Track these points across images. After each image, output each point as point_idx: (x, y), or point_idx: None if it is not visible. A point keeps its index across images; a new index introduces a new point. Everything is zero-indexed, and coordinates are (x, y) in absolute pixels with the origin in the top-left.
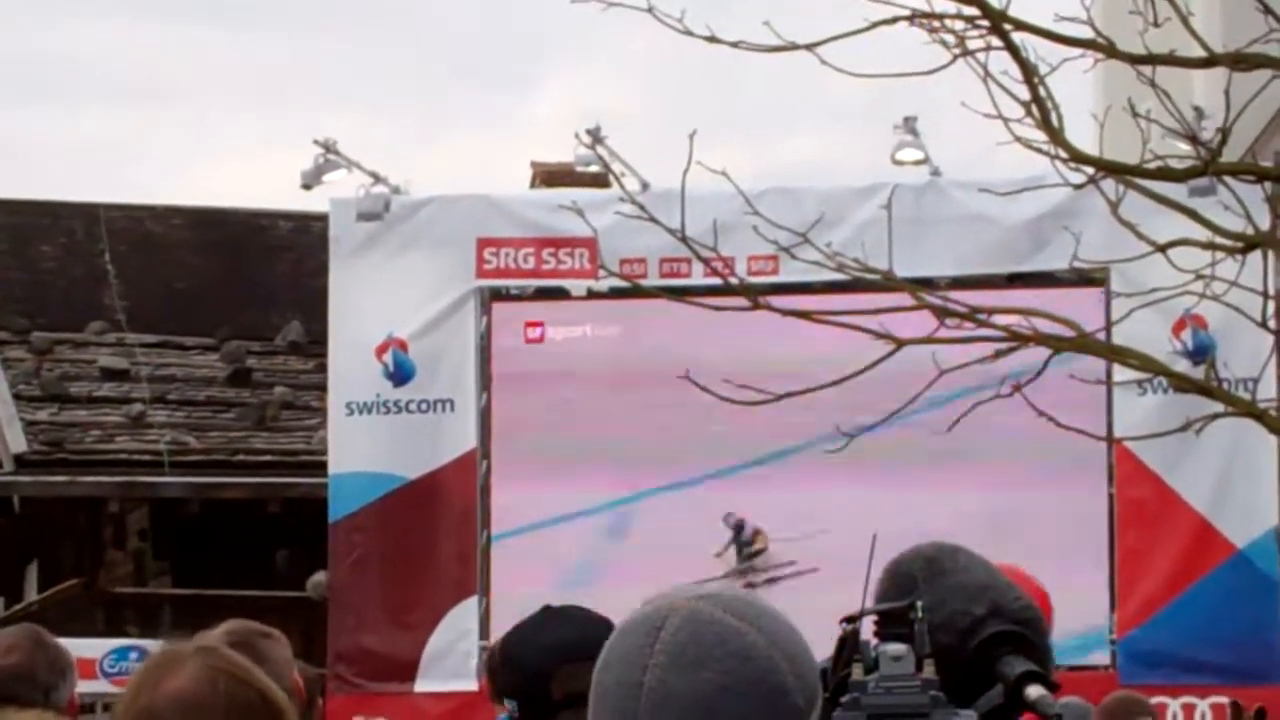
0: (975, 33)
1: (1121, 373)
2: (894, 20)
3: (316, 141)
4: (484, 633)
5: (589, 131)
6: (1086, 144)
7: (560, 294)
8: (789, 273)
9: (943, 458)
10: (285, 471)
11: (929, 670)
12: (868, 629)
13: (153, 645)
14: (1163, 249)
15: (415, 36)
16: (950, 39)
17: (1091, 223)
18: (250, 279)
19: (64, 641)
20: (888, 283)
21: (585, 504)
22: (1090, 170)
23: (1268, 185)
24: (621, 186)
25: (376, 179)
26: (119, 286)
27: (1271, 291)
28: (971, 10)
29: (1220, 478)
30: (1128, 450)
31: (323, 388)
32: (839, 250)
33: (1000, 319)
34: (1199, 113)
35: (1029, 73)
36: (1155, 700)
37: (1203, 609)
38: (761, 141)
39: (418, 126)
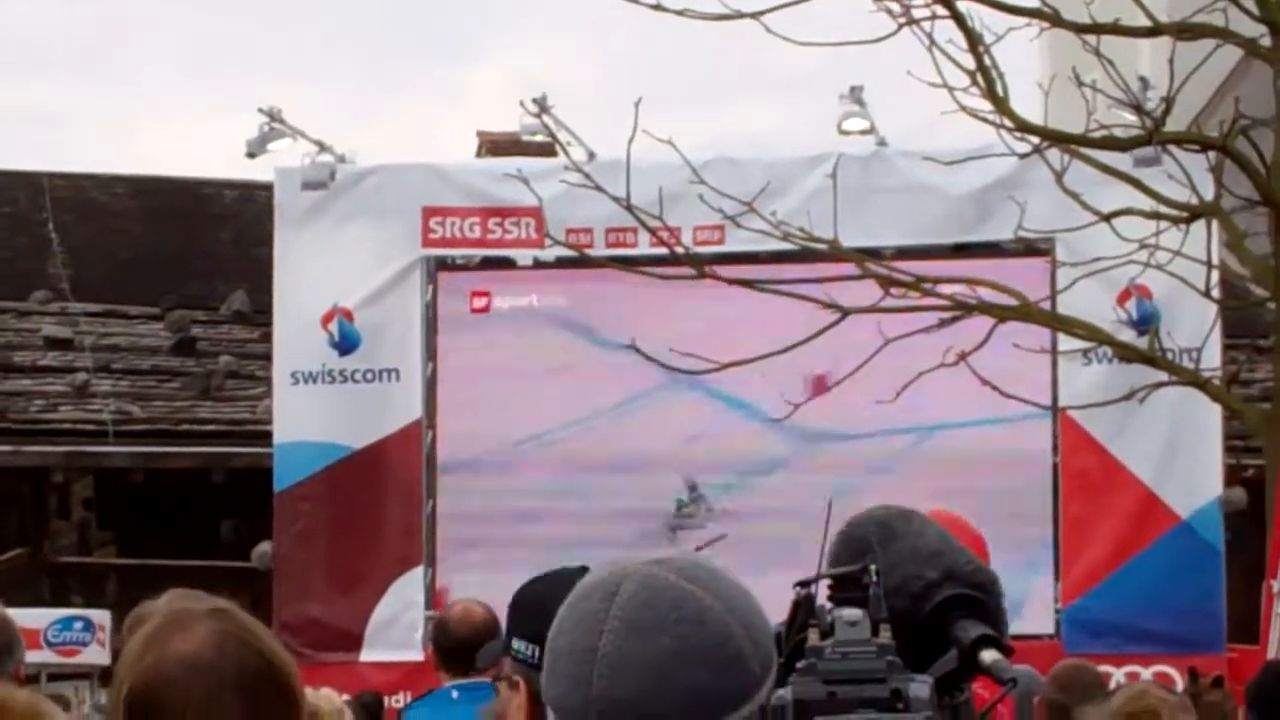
0: (921, 1)
1: (1066, 343)
2: None
3: (261, 110)
4: (429, 603)
5: (535, 101)
6: (1032, 114)
7: (506, 263)
8: (735, 242)
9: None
10: (230, 441)
11: (885, 635)
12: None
13: (97, 615)
14: (1107, 219)
15: (361, 4)
16: (896, 8)
17: (1037, 193)
18: (195, 248)
19: (9, 611)
20: (834, 252)
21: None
22: (1035, 140)
23: (1212, 155)
24: (567, 156)
25: (322, 148)
26: (63, 255)
27: (1215, 261)
28: None
29: (1165, 448)
30: (1072, 420)
31: (268, 357)
32: (785, 220)
33: (945, 288)
34: (1144, 83)
35: (974, 41)
36: (1100, 669)
37: (1147, 578)
38: (707, 111)
39: (363, 96)
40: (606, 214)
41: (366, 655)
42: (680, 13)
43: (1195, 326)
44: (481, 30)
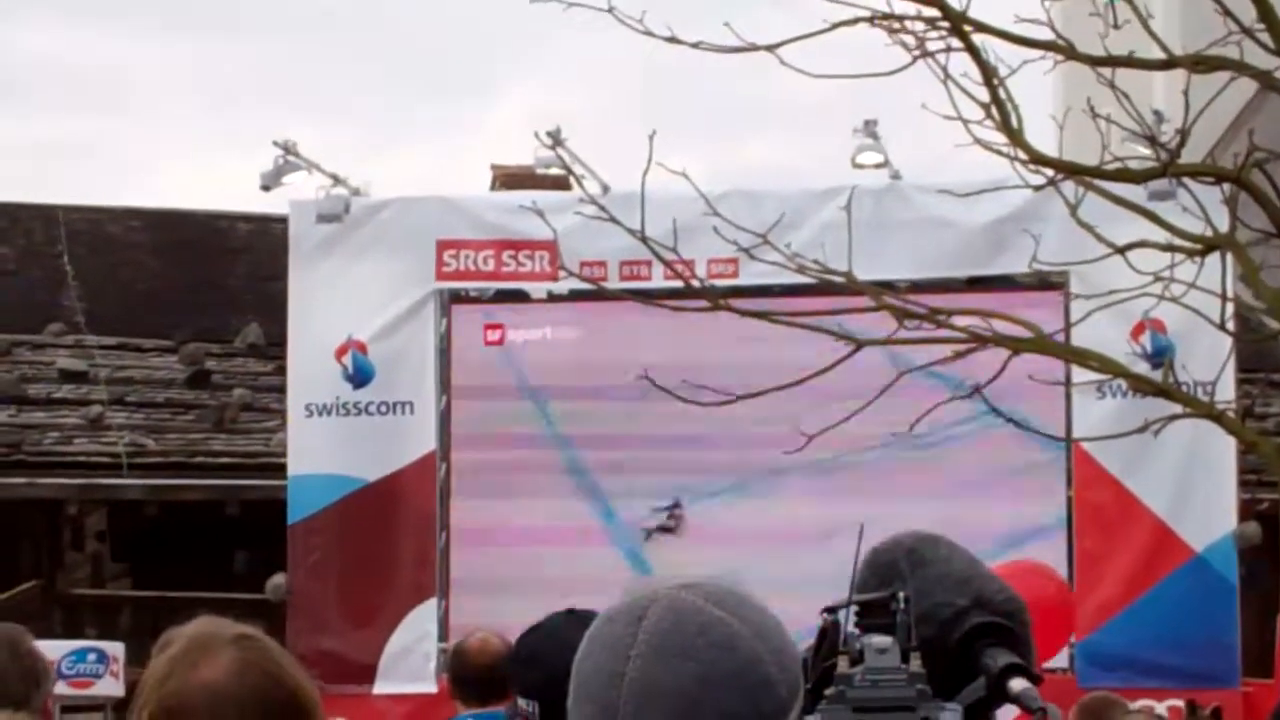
0: (935, 34)
1: (1080, 375)
2: (854, 21)
3: (276, 143)
4: (443, 635)
5: (549, 134)
6: (1046, 146)
7: (520, 296)
8: (749, 275)
9: (900, 460)
10: (244, 473)
11: (915, 663)
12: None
13: (111, 647)
14: (1122, 251)
15: (376, 39)
16: (910, 40)
17: (1051, 226)
18: (209, 281)
19: None
20: (848, 285)
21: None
22: (1050, 172)
23: (1226, 187)
24: (582, 188)
25: (336, 181)
26: (77, 288)
27: (1230, 294)
28: (932, 11)
29: (1179, 481)
30: (1086, 453)
31: (282, 390)
32: (799, 253)
33: (959, 320)
34: (1158, 115)
35: (989, 74)
36: None
37: (1161, 612)
38: (722, 144)
39: (378, 130)
40: (621, 247)
41: (380, 687)
42: (695, 45)
43: (1210, 360)
44: (496, 65)
